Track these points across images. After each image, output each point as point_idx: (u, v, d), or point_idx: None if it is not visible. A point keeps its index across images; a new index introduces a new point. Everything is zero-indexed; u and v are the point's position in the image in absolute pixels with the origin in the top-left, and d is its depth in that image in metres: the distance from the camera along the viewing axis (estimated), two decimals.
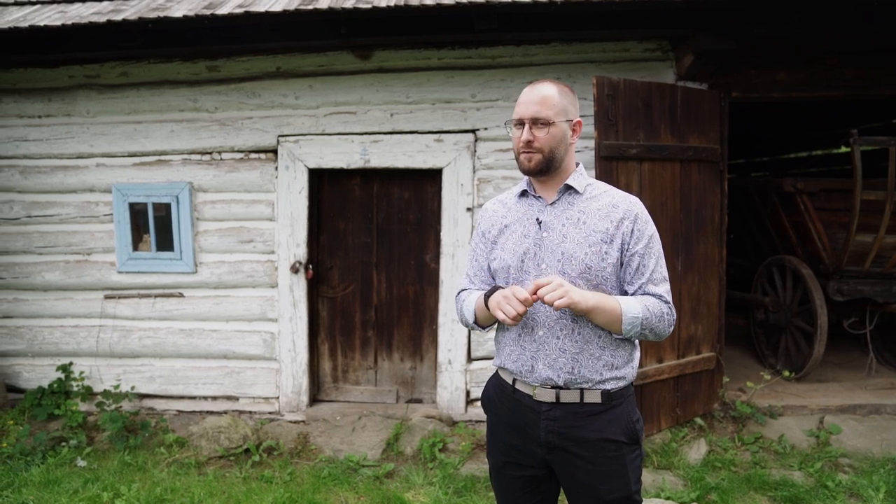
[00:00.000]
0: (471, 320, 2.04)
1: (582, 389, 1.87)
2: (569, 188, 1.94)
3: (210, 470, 4.03)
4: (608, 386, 1.86)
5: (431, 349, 4.77)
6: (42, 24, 3.78)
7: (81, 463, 4.09)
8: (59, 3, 4.29)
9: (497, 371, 2.07)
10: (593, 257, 1.84)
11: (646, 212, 1.93)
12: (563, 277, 1.83)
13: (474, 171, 4.50)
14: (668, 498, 3.53)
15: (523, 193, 2.01)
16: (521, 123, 1.88)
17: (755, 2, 3.61)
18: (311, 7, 3.71)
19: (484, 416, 2.16)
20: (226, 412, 4.75)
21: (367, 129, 4.53)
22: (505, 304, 1.77)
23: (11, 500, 3.59)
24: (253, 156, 4.66)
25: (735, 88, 4.46)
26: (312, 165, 4.57)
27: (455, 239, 4.52)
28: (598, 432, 1.85)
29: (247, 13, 3.71)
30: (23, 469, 3.96)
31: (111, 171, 4.73)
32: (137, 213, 4.73)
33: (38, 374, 4.86)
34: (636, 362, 1.95)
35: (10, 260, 4.83)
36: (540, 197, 1.97)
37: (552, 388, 1.88)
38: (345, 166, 4.55)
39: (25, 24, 3.78)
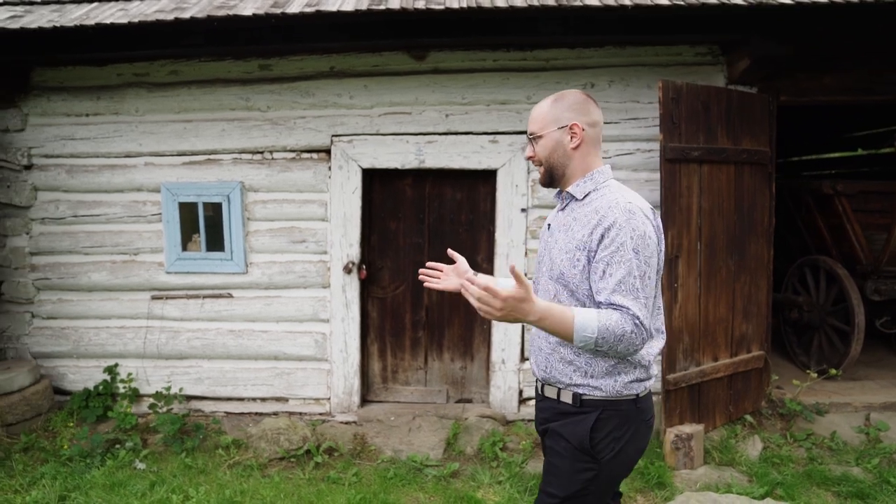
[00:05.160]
0: None
1: (558, 388, 1.95)
2: (571, 194, 1.96)
3: (273, 472, 4.01)
4: (580, 391, 1.89)
5: (483, 349, 4.79)
6: (108, 21, 3.73)
7: (140, 465, 4.05)
8: (117, 0, 4.23)
9: None
10: (566, 263, 1.87)
11: (631, 220, 1.78)
12: (549, 282, 1.94)
13: (528, 172, 4.53)
14: (739, 494, 3.59)
15: None
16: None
17: (824, 6, 3.67)
18: (383, 7, 3.71)
19: None
20: (275, 413, 4.73)
21: (422, 129, 4.54)
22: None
23: (81, 503, 3.54)
24: (305, 155, 4.64)
25: (784, 92, 4.56)
26: (366, 165, 4.56)
27: (510, 240, 4.55)
28: (559, 427, 1.95)
29: (318, 12, 3.70)
30: (83, 471, 3.90)
31: (160, 171, 4.68)
32: (186, 213, 4.68)
33: (83, 375, 4.79)
34: (625, 378, 1.87)
35: (55, 260, 4.75)
36: (560, 202, 2.04)
37: (540, 381, 2.03)
38: (399, 167, 4.56)
39: (91, 22, 3.73)
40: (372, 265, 4.80)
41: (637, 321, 1.72)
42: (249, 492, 3.72)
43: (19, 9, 4.11)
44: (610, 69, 4.52)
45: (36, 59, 4.50)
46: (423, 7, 3.72)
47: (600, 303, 1.79)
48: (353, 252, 4.62)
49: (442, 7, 3.70)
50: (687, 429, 4.01)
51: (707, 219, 4.18)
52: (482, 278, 1.74)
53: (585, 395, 1.88)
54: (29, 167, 4.70)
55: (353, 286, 4.64)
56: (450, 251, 2.22)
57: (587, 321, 1.71)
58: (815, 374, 4.73)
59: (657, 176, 4.31)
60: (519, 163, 4.51)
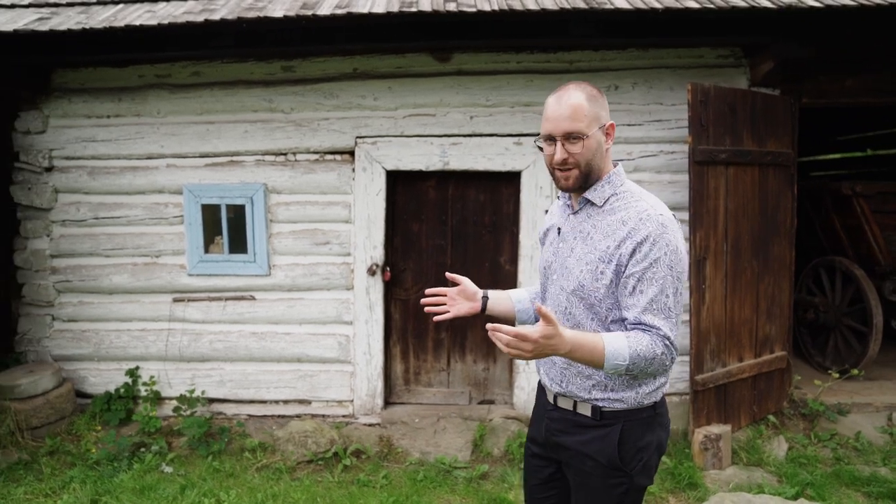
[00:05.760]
0: None
1: (575, 400, 1.87)
2: (588, 200, 1.84)
3: (302, 475, 4.01)
4: (599, 403, 1.82)
5: None
6: (137, 23, 3.70)
7: (167, 469, 4.03)
8: (143, 2, 4.20)
9: None
10: (587, 276, 1.77)
11: (664, 234, 1.70)
12: (562, 293, 1.86)
13: None
14: (771, 494, 3.60)
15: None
16: (551, 139, 1.77)
17: (854, 8, 3.69)
18: (414, 10, 3.71)
19: None
20: (298, 416, 4.71)
21: (447, 131, 4.54)
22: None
23: None
24: (329, 157, 4.62)
25: (806, 94, 4.58)
26: (390, 167, 4.56)
27: (533, 241, 4.55)
28: (581, 445, 1.85)
29: (349, 14, 3.69)
30: (111, 475, 3.88)
31: (182, 172, 4.65)
32: (208, 215, 4.66)
33: (104, 378, 4.75)
34: (647, 388, 1.81)
35: (76, 262, 4.72)
36: (570, 205, 1.91)
37: (553, 393, 1.94)
38: (423, 168, 4.55)
39: (120, 24, 3.70)
40: (395, 267, 4.79)
41: (667, 342, 1.67)
42: (281, 495, 3.71)
43: (45, 10, 4.08)
44: (633, 71, 4.53)
45: (56, 61, 4.47)
46: (455, 10, 3.71)
47: (626, 320, 1.72)
48: (377, 254, 4.61)
49: (474, 10, 3.70)
50: (715, 429, 4.02)
51: (733, 220, 4.19)
52: (507, 329, 1.58)
53: (606, 407, 1.81)
54: (50, 169, 4.67)
55: (376, 288, 4.63)
56: (448, 274, 2.12)
57: (618, 349, 1.64)
58: (837, 375, 4.75)
59: (680, 178, 4.34)
60: (543, 164, 4.50)
